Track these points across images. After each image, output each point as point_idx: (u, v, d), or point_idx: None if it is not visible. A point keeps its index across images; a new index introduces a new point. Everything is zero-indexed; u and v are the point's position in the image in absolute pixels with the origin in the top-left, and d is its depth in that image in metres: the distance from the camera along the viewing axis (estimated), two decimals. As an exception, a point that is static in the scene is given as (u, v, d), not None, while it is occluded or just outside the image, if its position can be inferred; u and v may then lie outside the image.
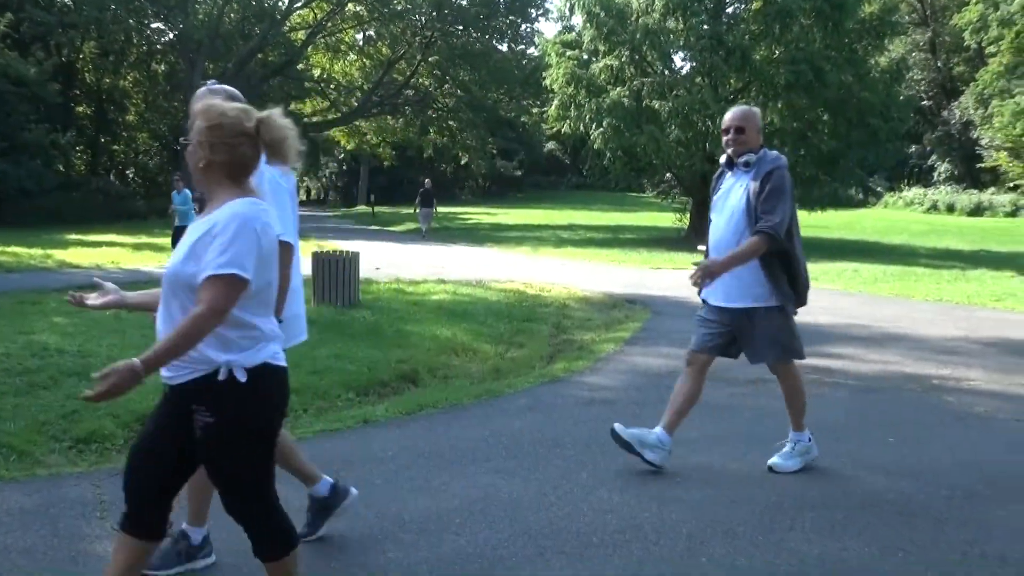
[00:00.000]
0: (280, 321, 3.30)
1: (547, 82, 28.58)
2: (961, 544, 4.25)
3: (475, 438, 5.87)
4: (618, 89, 26.17)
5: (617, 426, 5.23)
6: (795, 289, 5.09)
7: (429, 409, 6.68)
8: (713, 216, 5.29)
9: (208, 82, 3.88)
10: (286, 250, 3.56)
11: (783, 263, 5.02)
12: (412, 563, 3.90)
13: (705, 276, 4.85)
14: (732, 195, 5.13)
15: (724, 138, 5.18)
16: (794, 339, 5.20)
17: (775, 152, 5.18)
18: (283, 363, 3.03)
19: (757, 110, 5.34)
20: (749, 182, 5.02)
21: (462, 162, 50.90)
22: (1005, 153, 21.53)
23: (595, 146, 26.61)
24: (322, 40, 41.94)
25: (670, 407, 5.31)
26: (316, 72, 45.12)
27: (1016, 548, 4.21)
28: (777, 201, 4.93)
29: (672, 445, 5.25)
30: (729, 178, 5.23)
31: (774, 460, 5.31)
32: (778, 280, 5.01)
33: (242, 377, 2.85)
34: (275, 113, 2.96)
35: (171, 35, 38.93)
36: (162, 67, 42.12)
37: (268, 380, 2.94)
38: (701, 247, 5.49)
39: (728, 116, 5.21)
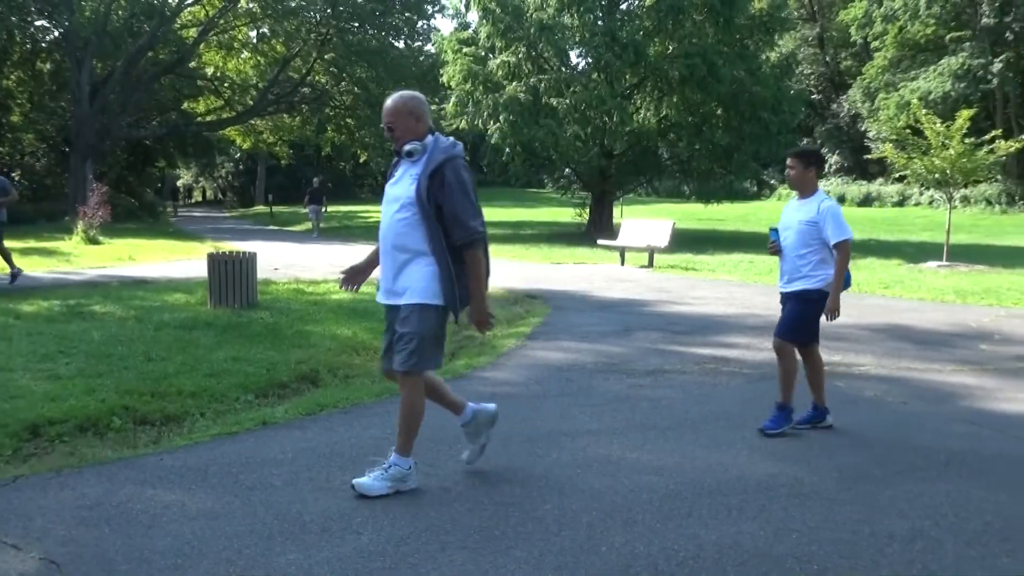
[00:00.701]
0: None
1: (444, 79, 28.53)
2: (851, 523, 4.39)
3: (376, 436, 5.83)
4: (514, 84, 26.27)
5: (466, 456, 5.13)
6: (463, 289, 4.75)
7: (329, 409, 6.61)
8: (383, 207, 4.89)
9: None
10: None
11: (456, 261, 4.70)
12: (313, 564, 3.86)
13: (488, 325, 4.79)
14: (400, 185, 4.77)
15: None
16: (435, 347, 4.74)
17: (449, 139, 4.83)
18: None
19: (408, 96, 4.82)
20: (419, 173, 4.66)
21: (361, 160, 50.48)
22: (891, 145, 22.19)
23: (492, 141, 26.66)
24: (214, 37, 41.03)
25: (438, 400, 5.13)
26: (209, 70, 44.18)
27: (902, 525, 4.37)
28: (464, 201, 4.63)
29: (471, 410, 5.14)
30: (400, 167, 4.86)
31: (361, 480, 4.73)
32: (448, 279, 4.67)
33: None
34: None
35: (56, 33, 37.73)
36: (47, 66, 40.77)
37: None
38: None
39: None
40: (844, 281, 6.14)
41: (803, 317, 6.13)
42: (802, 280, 6.10)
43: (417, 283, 4.67)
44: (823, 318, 6.13)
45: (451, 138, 4.85)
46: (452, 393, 5.17)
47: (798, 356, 6.28)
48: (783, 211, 6.43)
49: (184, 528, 4.22)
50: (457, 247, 4.67)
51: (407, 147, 4.72)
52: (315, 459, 5.36)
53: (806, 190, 6.18)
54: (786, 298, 6.25)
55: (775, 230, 6.32)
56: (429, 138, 4.76)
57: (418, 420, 4.82)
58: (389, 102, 4.78)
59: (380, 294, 4.88)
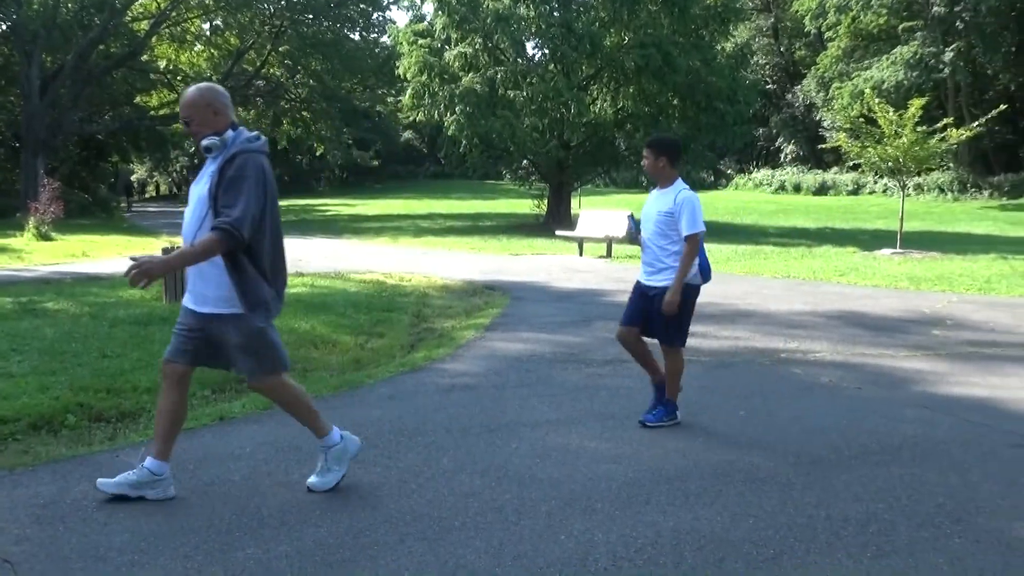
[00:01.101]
0: None
1: (400, 71, 28.38)
2: (807, 507, 4.44)
3: (335, 430, 5.81)
4: (471, 75, 26.20)
5: (100, 482, 4.52)
6: (274, 289, 4.53)
7: (288, 403, 6.58)
8: (187, 208, 4.59)
9: None
10: None
11: (254, 263, 4.40)
12: (272, 558, 3.84)
13: (142, 276, 4.19)
14: (200, 184, 4.49)
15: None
16: (270, 350, 4.51)
17: (253, 133, 4.55)
18: None
19: (207, 88, 4.58)
20: (215, 168, 4.40)
21: (318, 153, 50.19)
22: (845, 134, 22.41)
23: (449, 133, 26.57)
24: (167, 30, 40.52)
25: (156, 433, 4.62)
26: (162, 63, 43.65)
27: (857, 508, 4.43)
28: (238, 192, 4.27)
29: (170, 469, 4.62)
30: (205, 165, 4.57)
31: (312, 480, 4.70)
32: (246, 283, 4.37)
33: None
34: None
35: (4, 26, 37.08)
36: (-5, 60, 40.16)
37: None
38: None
39: None
40: (705, 275, 6.06)
41: (680, 313, 5.98)
42: (667, 271, 5.96)
43: (216, 291, 4.44)
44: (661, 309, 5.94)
45: (256, 132, 4.58)
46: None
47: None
48: (646, 201, 6.37)
49: (141, 524, 4.19)
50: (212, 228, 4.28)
51: (204, 143, 4.44)
52: (273, 453, 5.33)
53: (663, 180, 6.11)
54: (651, 292, 6.04)
55: (634, 218, 6.30)
56: (229, 133, 4.47)
57: (304, 402, 4.70)
58: (187, 94, 4.53)
59: (186, 297, 4.65)
